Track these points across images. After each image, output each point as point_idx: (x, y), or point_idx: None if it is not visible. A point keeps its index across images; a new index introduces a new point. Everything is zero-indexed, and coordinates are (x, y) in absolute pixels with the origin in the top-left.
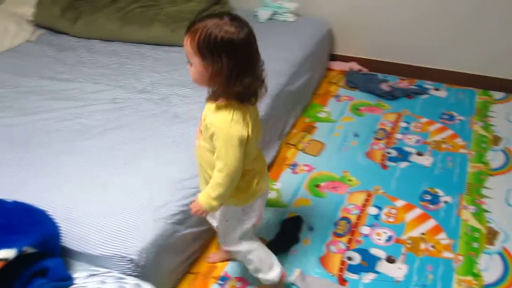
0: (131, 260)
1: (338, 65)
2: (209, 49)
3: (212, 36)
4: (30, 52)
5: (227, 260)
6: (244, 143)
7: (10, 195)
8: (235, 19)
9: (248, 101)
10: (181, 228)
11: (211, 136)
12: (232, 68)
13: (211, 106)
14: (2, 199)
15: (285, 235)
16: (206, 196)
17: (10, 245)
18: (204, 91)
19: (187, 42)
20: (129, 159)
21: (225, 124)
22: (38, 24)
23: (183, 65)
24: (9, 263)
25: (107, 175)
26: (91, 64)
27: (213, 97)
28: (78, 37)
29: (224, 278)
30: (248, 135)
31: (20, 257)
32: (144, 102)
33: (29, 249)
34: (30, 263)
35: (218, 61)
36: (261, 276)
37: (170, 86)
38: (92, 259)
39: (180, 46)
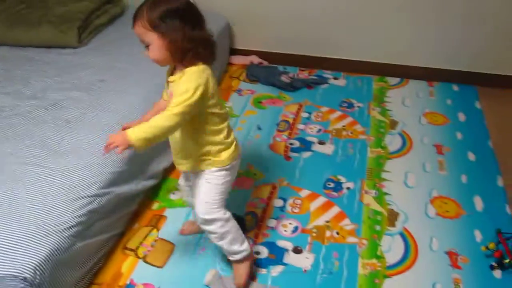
0: (25, 279)
1: (238, 59)
2: (161, 21)
3: (158, 11)
4: None
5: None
6: (207, 91)
7: None
8: None
9: (210, 57)
10: (79, 240)
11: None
12: (187, 29)
13: (178, 76)
14: None
15: None
16: (142, 131)
17: None
18: (98, 94)
19: (138, 26)
20: (19, 170)
21: (197, 71)
22: None
23: (75, 68)
24: None
25: None
26: None
27: (177, 69)
28: None
29: (130, 286)
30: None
31: None
32: (34, 109)
33: None
34: None
35: (172, 28)
36: (236, 247)
37: (62, 91)
38: None
39: (72, 48)
